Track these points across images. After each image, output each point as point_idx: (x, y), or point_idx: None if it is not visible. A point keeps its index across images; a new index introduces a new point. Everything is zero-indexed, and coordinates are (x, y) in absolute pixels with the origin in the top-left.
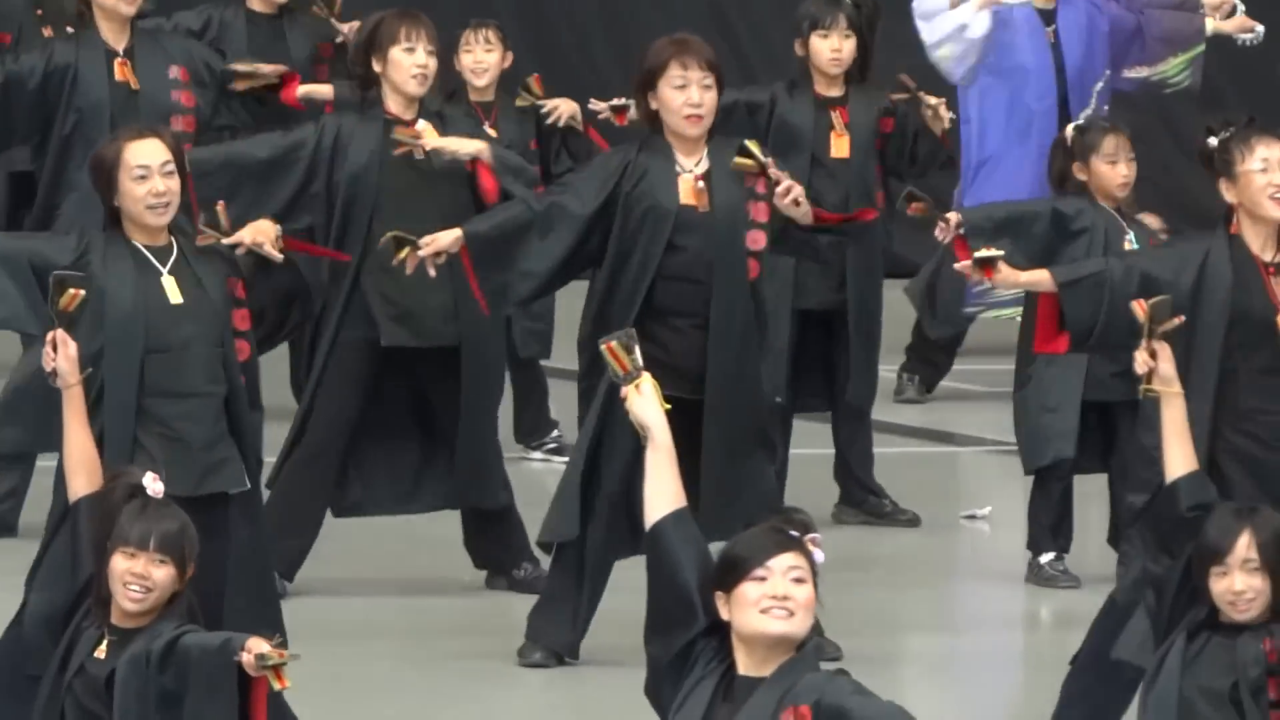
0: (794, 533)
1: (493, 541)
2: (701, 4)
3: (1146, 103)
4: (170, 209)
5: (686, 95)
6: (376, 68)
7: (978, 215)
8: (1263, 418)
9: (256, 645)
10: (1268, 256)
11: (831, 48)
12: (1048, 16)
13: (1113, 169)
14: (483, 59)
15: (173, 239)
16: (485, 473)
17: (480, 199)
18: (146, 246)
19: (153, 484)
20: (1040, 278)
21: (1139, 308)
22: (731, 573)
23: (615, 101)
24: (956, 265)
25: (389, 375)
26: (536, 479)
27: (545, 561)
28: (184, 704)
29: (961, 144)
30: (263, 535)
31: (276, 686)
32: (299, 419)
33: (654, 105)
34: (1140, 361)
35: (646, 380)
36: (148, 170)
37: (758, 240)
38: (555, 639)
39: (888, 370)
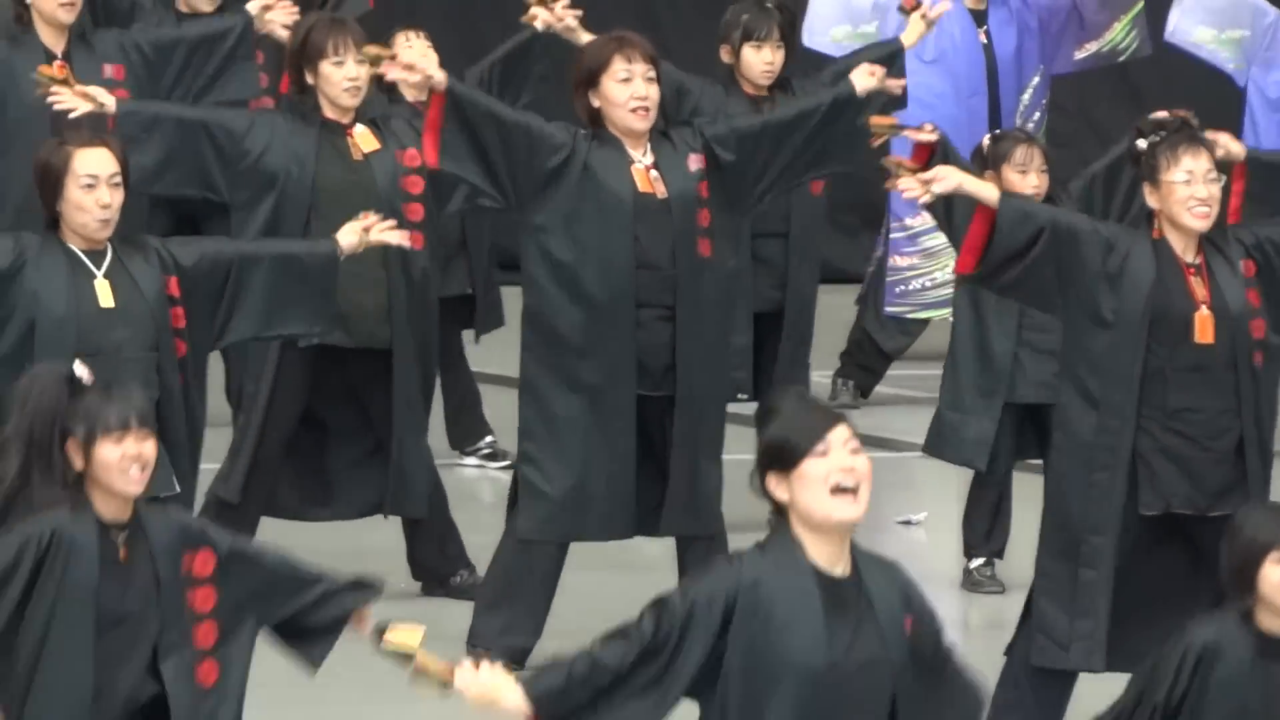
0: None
1: (429, 549)
2: (628, 8)
3: (1074, 106)
4: (113, 223)
5: (632, 89)
6: (309, 79)
7: None
8: (1193, 416)
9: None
10: (1189, 258)
11: (764, 60)
12: (979, 17)
13: (1022, 179)
14: (427, 52)
15: (108, 241)
16: (411, 482)
17: (426, 198)
18: (83, 250)
19: (82, 369)
20: (984, 188)
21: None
22: (789, 451)
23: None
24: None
25: (325, 377)
26: (470, 486)
27: (481, 568)
28: None
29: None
30: None
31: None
32: (256, 427)
33: (596, 103)
34: None
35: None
36: (96, 180)
37: (707, 217)
38: (511, 643)
39: (823, 376)
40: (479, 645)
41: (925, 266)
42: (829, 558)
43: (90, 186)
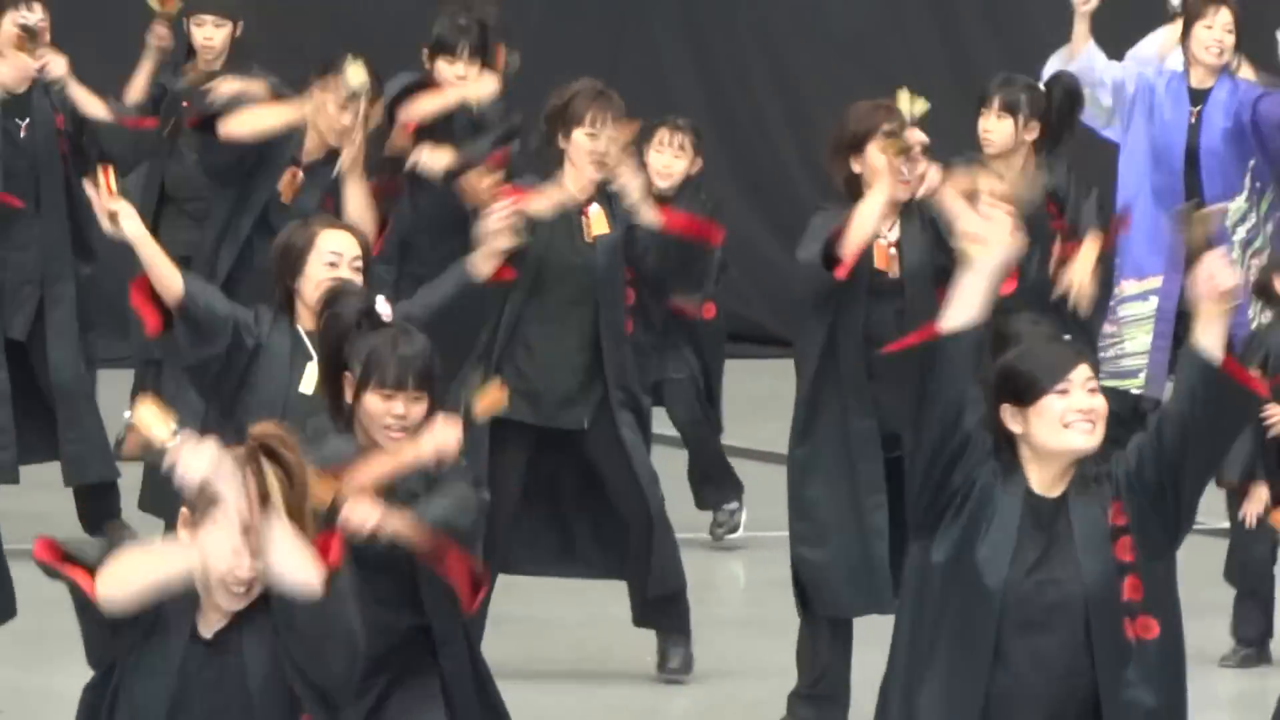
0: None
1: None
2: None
3: None
4: None
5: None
6: (561, 144)
7: None
8: None
9: None
10: None
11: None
12: (1196, 96)
13: None
14: (671, 164)
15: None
16: (664, 559)
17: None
18: (307, 332)
19: (383, 306)
20: None
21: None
22: (1029, 386)
23: None
24: None
25: (544, 454)
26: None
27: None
28: None
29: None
30: None
31: None
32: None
33: (858, 168)
34: None
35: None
36: (339, 259)
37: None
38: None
39: None
40: None
41: (1117, 335)
42: (1048, 482)
43: (333, 264)
